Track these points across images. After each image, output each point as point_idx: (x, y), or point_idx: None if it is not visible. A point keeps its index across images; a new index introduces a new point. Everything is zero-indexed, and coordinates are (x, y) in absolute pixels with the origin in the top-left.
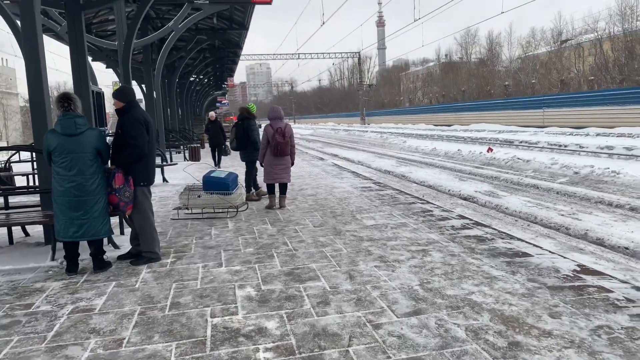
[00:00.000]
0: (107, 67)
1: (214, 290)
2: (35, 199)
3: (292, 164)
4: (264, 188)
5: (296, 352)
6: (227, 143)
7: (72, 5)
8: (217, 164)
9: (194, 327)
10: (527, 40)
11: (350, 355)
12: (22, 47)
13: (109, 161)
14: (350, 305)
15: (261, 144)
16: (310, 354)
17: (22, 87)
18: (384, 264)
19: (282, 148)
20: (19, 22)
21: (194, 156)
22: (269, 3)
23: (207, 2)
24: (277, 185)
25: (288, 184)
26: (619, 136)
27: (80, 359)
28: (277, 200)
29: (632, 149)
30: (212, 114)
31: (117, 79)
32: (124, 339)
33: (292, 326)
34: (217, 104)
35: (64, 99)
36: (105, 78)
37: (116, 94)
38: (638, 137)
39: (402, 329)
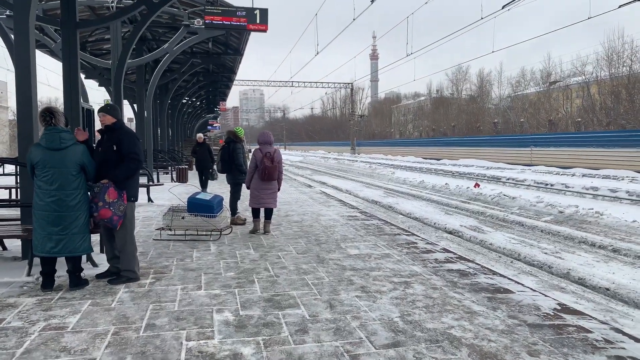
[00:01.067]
0: (99, 85)
1: (191, 313)
2: (16, 212)
3: (279, 189)
4: (243, 214)
5: None
6: (215, 167)
7: (67, 23)
8: (204, 187)
9: (167, 349)
10: (517, 79)
11: None
12: (14, 60)
13: (101, 176)
14: (328, 334)
15: (249, 167)
16: None
17: (12, 101)
18: (366, 294)
19: (269, 172)
20: (13, 37)
21: (182, 178)
22: (264, 31)
23: (203, 26)
24: (262, 210)
25: (274, 209)
26: (604, 178)
27: None
28: (261, 225)
29: (616, 191)
30: (200, 135)
31: (108, 97)
32: (95, 359)
33: (269, 353)
34: (209, 127)
35: (47, 113)
36: (97, 96)
37: (108, 110)
38: (622, 179)
39: None
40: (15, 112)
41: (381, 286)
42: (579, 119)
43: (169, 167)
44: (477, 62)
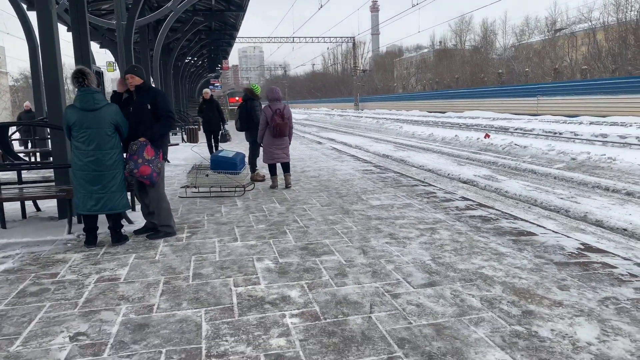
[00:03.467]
0: (101, 47)
1: (233, 263)
2: (38, 175)
3: (289, 143)
4: (261, 171)
5: (321, 317)
6: (227, 127)
7: None
8: (215, 149)
9: (219, 295)
10: (521, 28)
11: (373, 321)
12: (24, 25)
13: (135, 135)
14: (367, 277)
15: (260, 124)
16: (335, 319)
17: (11, 66)
18: (395, 241)
19: (281, 129)
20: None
21: (192, 138)
22: None
23: None
24: (279, 166)
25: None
26: (612, 125)
27: (114, 322)
28: (281, 180)
29: (625, 137)
30: (206, 91)
31: (111, 59)
32: (154, 305)
33: (314, 295)
34: (210, 87)
35: (79, 74)
36: (98, 58)
37: (135, 71)
38: (631, 125)
39: (419, 298)
40: (15, 78)
41: (408, 233)
42: (585, 67)
43: (178, 128)
44: (483, 12)
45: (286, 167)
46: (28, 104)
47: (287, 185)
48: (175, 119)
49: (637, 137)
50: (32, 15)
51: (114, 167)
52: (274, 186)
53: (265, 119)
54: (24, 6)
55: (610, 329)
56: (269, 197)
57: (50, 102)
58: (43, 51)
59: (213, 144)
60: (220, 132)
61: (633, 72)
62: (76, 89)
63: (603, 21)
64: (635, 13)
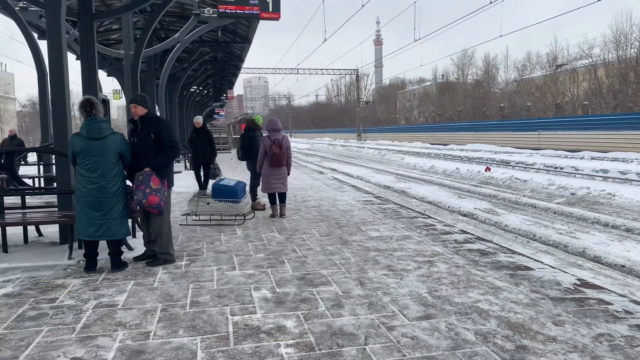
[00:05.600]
0: (108, 75)
1: (230, 291)
2: (41, 200)
3: (288, 173)
4: (262, 200)
5: (316, 348)
6: (215, 162)
7: (84, 15)
8: (203, 187)
9: (215, 323)
10: (523, 63)
11: (367, 353)
12: (34, 53)
13: (138, 164)
14: (363, 308)
15: (259, 154)
16: (330, 350)
17: (19, 92)
18: (392, 273)
19: (278, 159)
20: (27, 26)
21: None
22: (277, 19)
23: (215, 15)
24: (277, 195)
25: (288, 194)
26: (613, 160)
27: (111, 348)
28: (278, 209)
29: (626, 173)
30: (197, 119)
31: (117, 87)
32: (150, 332)
33: (310, 325)
34: (215, 116)
35: (87, 104)
36: (104, 86)
37: (139, 101)
38: (631, 162)
39: (414, 331)
40: (22, 104)
41: (406, 265)
42: (586, 102)
43: (182, 156)
44: (484, 47)
45: (282, 198)
46: (13, 129)
47: (282, 215)
48: (179, 148)
49: (637, 173)
50: (42, 44)
51: (116, 195)
52: (273, 215)
53: (264, 149)
54: (35, 35)
55: None
56: (268, 226)
57: (57, 129)
58: (52, 79)
59: (203, 178)
60: (211, 166)
61: (634, 109)
62: (83, 118)
63: (604, 58)
64: (635, 50)
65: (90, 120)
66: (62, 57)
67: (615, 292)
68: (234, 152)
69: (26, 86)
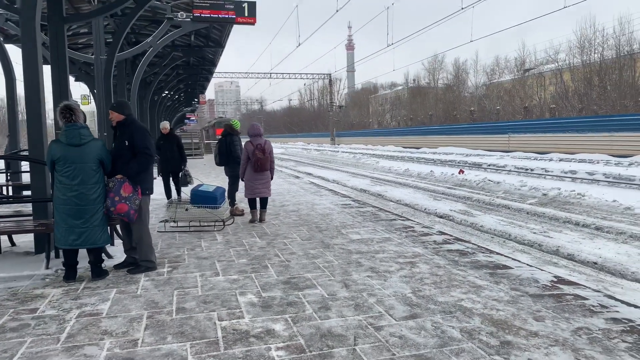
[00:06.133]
0: (75, 81)
1: (216, 297)
2: (10, 209)
3: (272, 178)
4: (240, 205)
5: (306, 350)
6: (185, 168)
7: (54, 19)
8: (177, 194)
9: (204, 329)
10: (492, 68)
11: (358, 353)
12: (2, 58)
13: (115, 171)
14: (350, 310)
15: (242, 159)
16: (320, 352)
17: None
18: (376, 274)
19: (262, 164)
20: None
21: None
22: (253, 23)
23: (188, 19)
24: (257, 200)
25: (269, 199)
26: (580, 162)
27: (99, 357)
28: (258, 214)
29: (593, 174)
30: (164, 125)
31: (85, 93)
32: (138, 339)
33: (299, 328)
34: (186, 121)
35: (67, 110)
36: (72, 91)
37: (114, 108)
38: (597, 163)
39: (402, 330)
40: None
41: (388, 267)
42: (553, 106)
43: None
44: (455, 52)
45: (264, 203)
46: None
47: (261, 220)
48: (152, 155)
49: (603, 174)
50: (9, 48)
51: (97, 202)
52: (253, 220)
53: (247, 154)
54: (1, 39)
55: (583, 358)
56: (248, 231)
57: (32, 136)
58: (27, 86)
59: (172, 187)
60: (181, 173)
61: (598, 112)
62: (62, 124)
63: (569, 62)
64: (599, 55)
65: (69, 127)
66: (37, 63)
67: (590, 288)
68: (206, 157)
69: None
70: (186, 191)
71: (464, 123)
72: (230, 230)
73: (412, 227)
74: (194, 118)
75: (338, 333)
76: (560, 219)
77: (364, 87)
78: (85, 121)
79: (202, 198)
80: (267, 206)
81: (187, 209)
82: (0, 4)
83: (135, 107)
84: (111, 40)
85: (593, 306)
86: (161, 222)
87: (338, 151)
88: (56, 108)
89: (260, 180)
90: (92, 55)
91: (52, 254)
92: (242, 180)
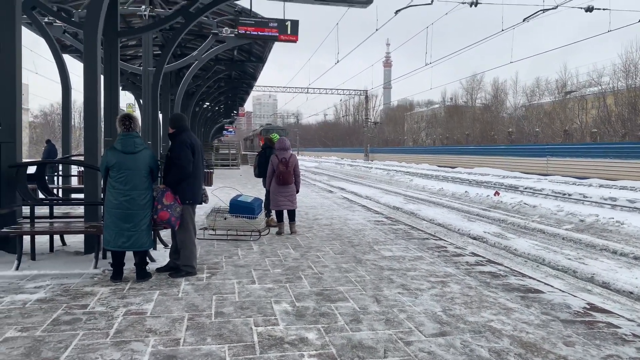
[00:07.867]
0: (122, 90)
1: (252, 304)
2: (59, 210)
3: (297, 191)
4: (275, 217)
5: (338, 359)
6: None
7: (109, 32)
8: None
9: (241, 333)
10: (532, 89)
11: None
12: (59, 67)
13: (161, 180)
14: (380, 324)
15: (268, 172)
16: None
17: (33, 103)
18: (407, 291)
19: (284, 177)
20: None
21: (207, 181)
22: (295, 41)
23: (232, 35)
24: (285, 213)
25: (299, 212)
26: (621, 189)
27: (145, 352)
28: (285, 227)
29: (635, 202)
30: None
31: (130, 101)
32: (180, 339)
33: (331, 338)
34: (224, 132)
35: (127, 119)
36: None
37: (169, 122)
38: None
39: (431, 346)
40: (34, 115)
41: (419, 284)
42: (595, 130)
43: None
44: (494, 72)
45: (291, 216)
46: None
47: (292, 232)
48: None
49: None
50: (66, 58)
51: (146, 207)
52: (279, 232)
53: (272, 167)
54: (61, 53)
55: None
56: (283, 242)
57: (88, 143)
58: (86, 97)
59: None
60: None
61: None
62: (120, 131)
63: (613, 86)
64: None
65: (125, 136)
66: (96, 75)
67: (623, 317)
68: (243, 168)
69: (39, 97)
70: (225, 200)
71: (501, 144)
72: (266, 241)
73: (445, 247)
74: (232, 129)
75: (369, 345)
76: (596, 246)
77: (400, 104)
78: (140, 131)
79: (240, 208)
80: (300, 219)
81: (225, 218)
82: (60, 17)
83: None
84: (159, 52)
85: (625, 335)
86: (200, 229)
87: (371, 167)
88: (116, 117)
89: (284, 193)
90: (139, 66)
91: (100, 254)
92: (267, 190)
